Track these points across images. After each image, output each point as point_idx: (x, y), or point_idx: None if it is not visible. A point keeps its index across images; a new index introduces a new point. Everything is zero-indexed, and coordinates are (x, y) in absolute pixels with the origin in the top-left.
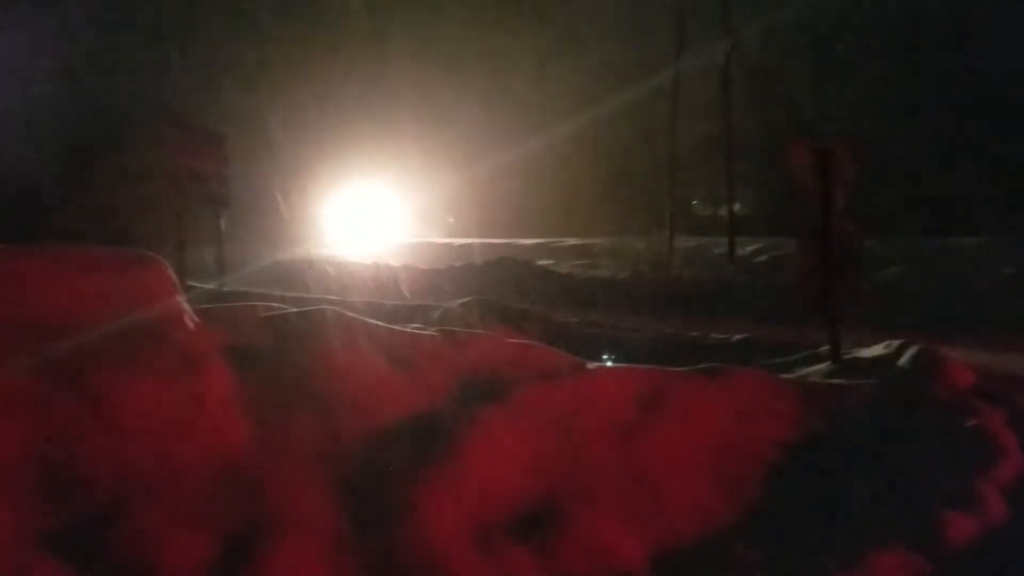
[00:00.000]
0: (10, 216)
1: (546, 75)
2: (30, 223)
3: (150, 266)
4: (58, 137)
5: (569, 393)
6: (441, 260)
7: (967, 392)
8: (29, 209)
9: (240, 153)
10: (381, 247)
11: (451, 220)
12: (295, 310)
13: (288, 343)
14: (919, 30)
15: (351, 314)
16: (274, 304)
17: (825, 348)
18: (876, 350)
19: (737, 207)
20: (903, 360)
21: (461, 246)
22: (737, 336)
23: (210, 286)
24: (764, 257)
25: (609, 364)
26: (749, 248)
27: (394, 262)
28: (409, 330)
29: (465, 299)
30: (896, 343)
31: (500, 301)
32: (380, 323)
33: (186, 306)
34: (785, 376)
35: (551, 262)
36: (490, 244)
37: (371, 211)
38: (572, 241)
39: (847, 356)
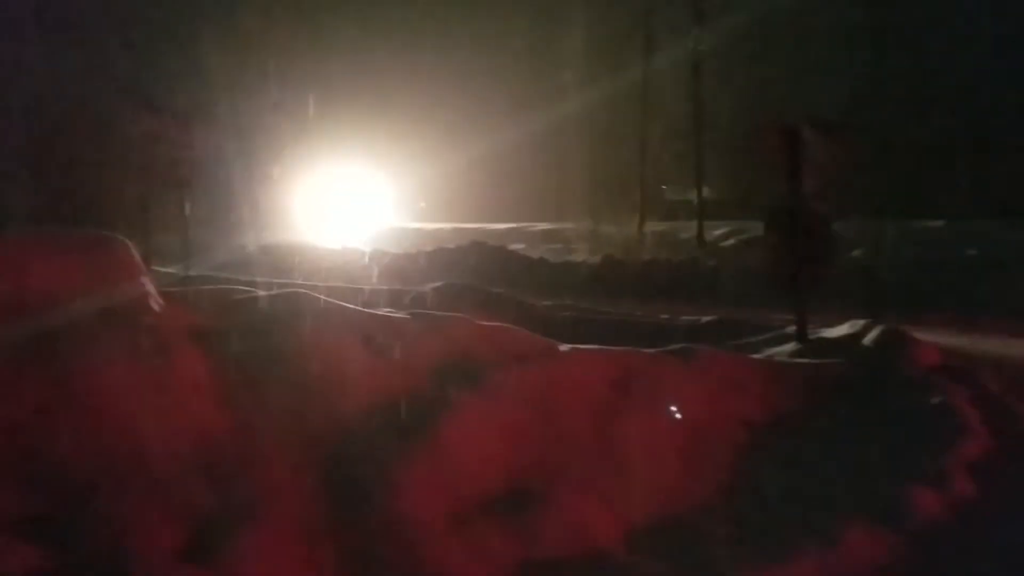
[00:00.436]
0: None
1: (520, 63)
2: None
3: (115, 248)
4: (22, 120)
5: (543, 375)
6: (412, 245)
7: (932, 371)
8: None
9: (211, 137)
10: (351, 232)
11: (422, 205)
12: (265, 293)
13: (259, 326)
14: (887, 16)
15: (323, 297)
16: (243, 288)
17: (792, 328)
18: (842, 330)
19: (706, 192)
20: (869, 339)
21: (432, 231)
22: (707, 318)
23: (173, 271)
24: (732, 241)
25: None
26: (717, 232)
27: (364, 247)
28: (382, 313)
29: (437, 283)
30: (861, 323)
31: (473, 285)
32: (353, 306)
33: (153, 289)
34: (753, 356)
35: (523, 246)
36: (462, 229)
37: (341, 196)
38: (544, 226)
39: (814, 336)
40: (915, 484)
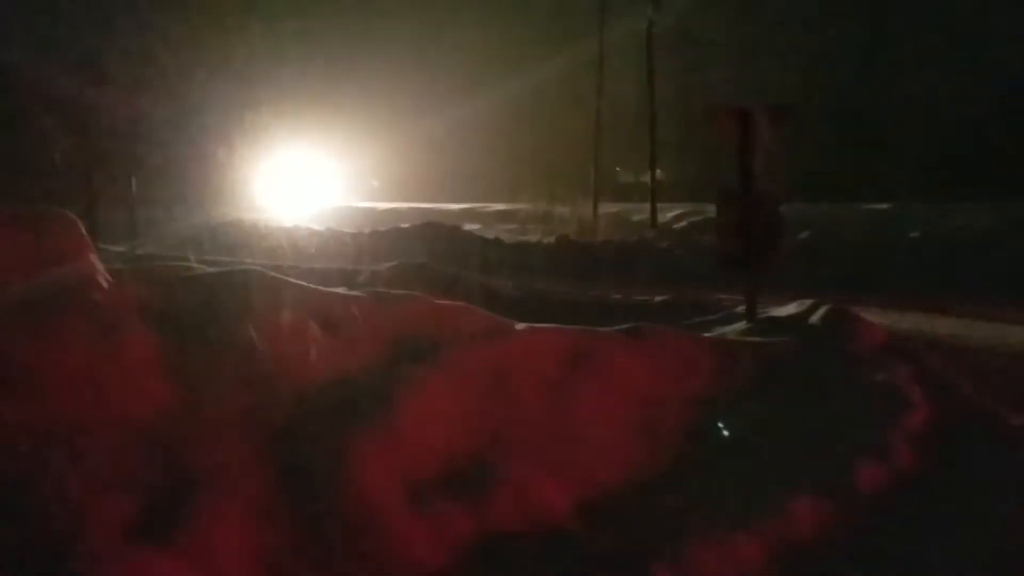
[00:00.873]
0: None
1: (473, 42)
2: None
3: (61, 223)
4: None
5: (498, 352)
6: (365, 224)
7: (877, 348)
8: None
9: (162, 113)
10: (302, 211)
11: (375, 184)
12: (216, 270)
13: (209, 303)
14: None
15: (275, 274)
16: (193, 266)
17: (742, 308)
18: (790, 309)
19: (660, 174)
20: (815, 318)
21: (385, 210)
22: (659, 298)
23: (119, 250)
24: (684, 223)
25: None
26: (670, 214)
27: (316, 225)
28: (337, 291)
29: (392, 263)
30: (809, 302)
31: (427, 265)
32: (306, 284)
33: (100, 265)
34: (704, 335)
35: (478, 227)
36: (415, 208)
37: (294, 176)
38: (498, 206)
39: (763, 315)
40: (859, 456)
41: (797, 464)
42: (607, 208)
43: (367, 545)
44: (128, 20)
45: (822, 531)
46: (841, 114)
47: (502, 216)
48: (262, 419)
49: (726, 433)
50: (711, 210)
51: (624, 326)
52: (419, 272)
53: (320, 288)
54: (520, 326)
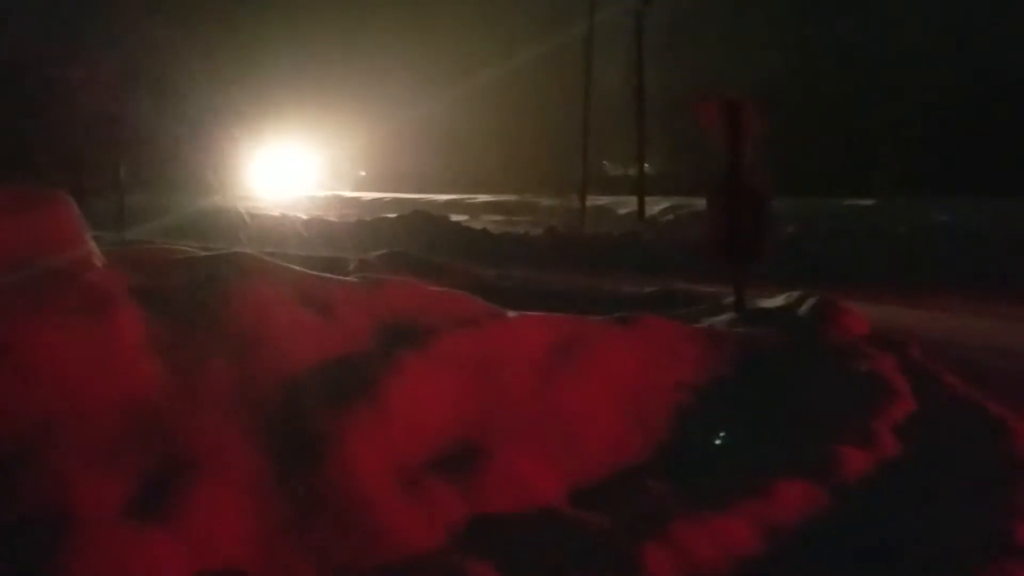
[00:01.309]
0: None
1: (461, 33)
2: None
3: (55, 204)
4: None
5: (488, 338)
6: (351, 214)
7: (862, 339)
8: None
9: (149, 97)
10: (289, 199)
11: (362, 174)
12: (208, 254)
13: (202, 286)
14: None
15: (266, 258)
16: (184, 249)
17: (729, 299)
18: (777, 301)
19: (647, 167)
20: (802, 310)
21: (371, 200)
22: (647, 289)
23: (105, 236)
24: (671, 216)
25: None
26: (658, 207)
27: (303, 215)
28: (328, 276)
29: (380, 252)
30: (796, 294)
31: (416, 254)
32: (297, 268)
33: (94, 246)
34: (693, 324)
35: (465, 218)
36: (401, 199)
37: (280, 163)
38: (486, 198)
39: (750, 307)
40: (844, 444)
41: (783, 450)
42: (595, 201)
43: (358, 526)
44: (117, 3)
45: (806, 512)
46: (826, 108)
47: (489, 207)
48: (254, 401)
49: (718, 442)
50: (698, 203)
51: (614, 315)
52: (406, 261)
53: (311, 272)
54: (510, 313)
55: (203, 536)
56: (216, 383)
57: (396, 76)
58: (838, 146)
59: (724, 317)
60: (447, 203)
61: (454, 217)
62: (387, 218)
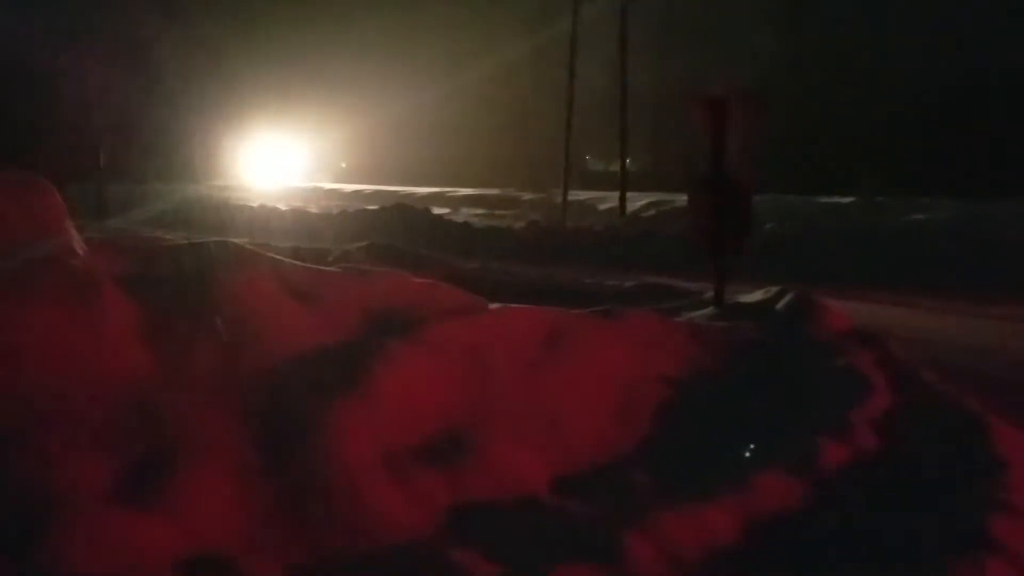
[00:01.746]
0: None
1: (444, 25)
2: None
3: (37, 190)
4: None
5: (473, 329)
6: (333, 205)
7: (841, 334)
8: None
9: (131, 86)
10: (270, 190)
11: (343, 165)
12: (193, 242)
13: (187, 274)
14: None
15: (251, 247)
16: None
17: (710, 294)
18: (757, 296)
19: (629, 162)
20: (782, 305)
21: (352, 192)
22: (628, 283)
23: (82, 225)
24: (653, 211)
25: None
26: (639, 203)
27: (283, 206)
28: (312, 266)
29: (362, 243)
30: (775, 289)
31: (398, 246)
32: (282, 257)
33: (76, 233)
34: (675, 318)
35: (446, 211)
36: (383, 191)
37: (261, 154)
38: (467, 191)
39: (731, 301)
40: (822, 437)
41: (762, 443)
42: (577, 196)
43: (345, 513)
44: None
45: (785, 503)
46: (808, 106)
47: (471, 200)
48: (241, 388)
49: (694, 412)
50: (680, 199)
51: (598, 308)
52: (389, 253)
53: (296, 262)
54: (495, 306)
55: (190, 521)
56: (203, 370)
57: (379, 69)
58: (820, 144)
59: (704, 312)
60: (429, 196)
61: (436, 210)
62: (368, 210)
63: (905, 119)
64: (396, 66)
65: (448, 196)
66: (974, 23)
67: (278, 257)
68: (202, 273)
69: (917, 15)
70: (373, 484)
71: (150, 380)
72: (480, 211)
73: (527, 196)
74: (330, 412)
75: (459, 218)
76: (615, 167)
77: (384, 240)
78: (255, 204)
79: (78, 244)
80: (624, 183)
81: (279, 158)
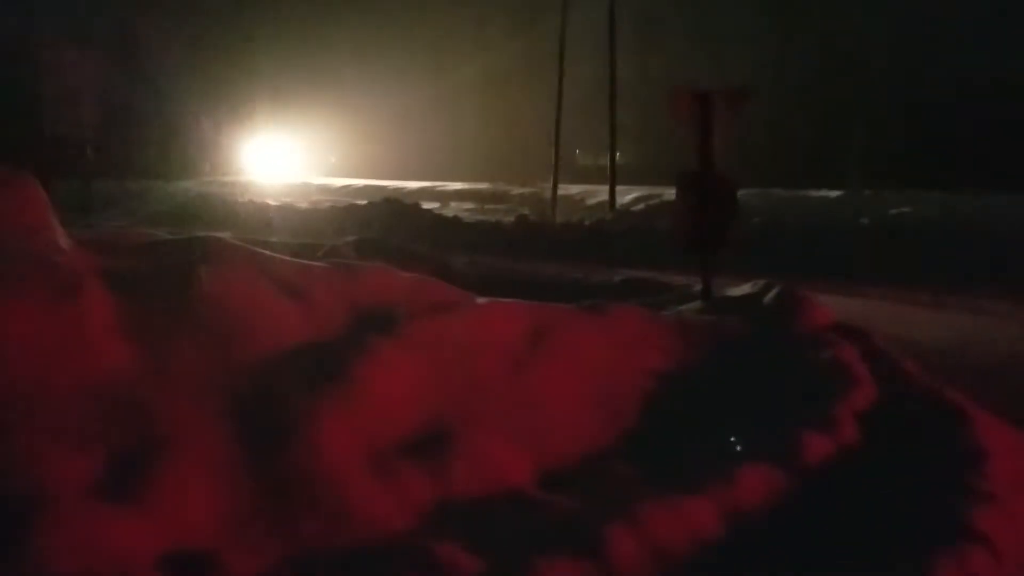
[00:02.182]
0: None
1: (434, 21)
2: None
3: (20, 185)
4: None
5: (460, 324)
6: (322, 200)
7: (825, 328)
8: None
9: (117, 81)
10: (258, 185)
11: (332, 160)
12: (178, 237)
13: (172, 269)
14: None
15: (237, 242)
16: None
17: (697, 288)
18: (743, 290)
19: (619, 156)
20: (767, 299)
21: (341, 187)
22: (617, 278)
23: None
24: (642, 206)
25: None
26: (629, 197)
27: (272, 200)
28: (299, 261)
29: (351, 238)
30: (761, 283)
31: (387, 241)
32: (269, 252)
33: (60, 228)
34: (661, 312)
35: (436, 205)
36: (372, 185)
37: (249, 149)
38: (457, 185)
39: (716, 295)
40: (806, 430)
41: (747, 436)
42: (566, 190)
43: (328, 508)
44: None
45: (769, 495)
46: (796, 101)
47: (460, 195)
48: (224, 383)
49: (680, 406)
50: (669, 193)
51: (584, 302)
52: (378, 247)
53: (283, 257)
54: (482, 300)
55: (172, 516)
56: (186, 365)
57: (369, 63)
58: (808, 138)
59: (691, 306)
60: (418, 190)
61: (425, 204)
62: (358, 205)
63: (894, 112)
64: (386, 60)
65: (438, 191)
66: (963, 17)
67: (263, 252)
68: (186, 268)
69: (905, 9)
70: (357, 480)
71: (133, 376)
72: (470, 205)
73: (517, 190)
74: (314, 408)
75: (449, 212)
76: (605, 160)
77: (373, 235)
78: (243, 199)
79: (62, 239)
80: (613, 177)
81: (267, 153)
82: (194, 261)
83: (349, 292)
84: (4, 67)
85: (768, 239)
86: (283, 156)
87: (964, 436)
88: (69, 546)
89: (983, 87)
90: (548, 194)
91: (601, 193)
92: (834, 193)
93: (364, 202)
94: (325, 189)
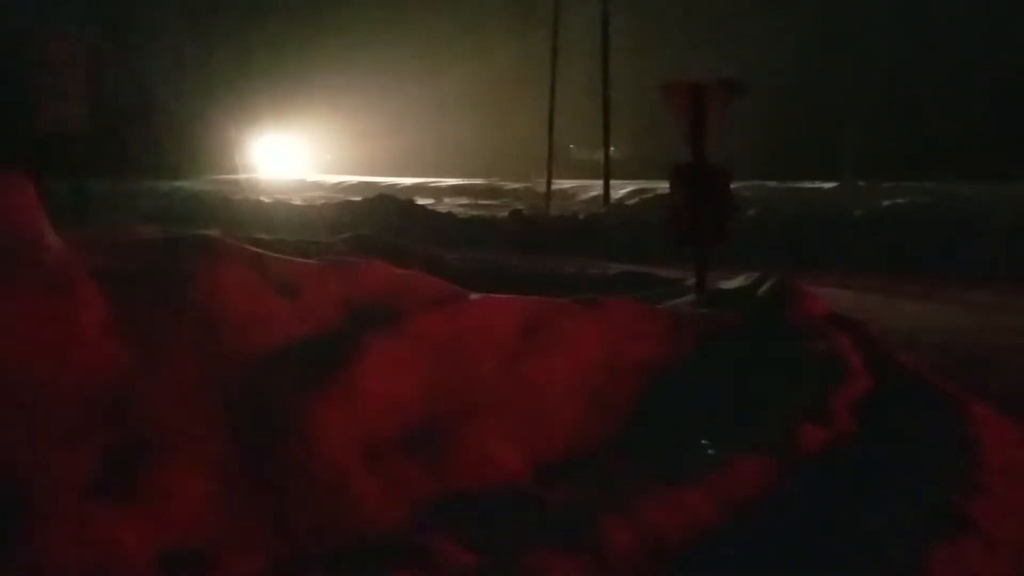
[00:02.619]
0: None
1: (428, 17)
2: None
3: (10, 182)
4: None
5: (456, 320)
6: (316, 197)
7: (820, 319)
8: None
9: (113, 76)
10: (253, 183)
11: (327, 157)
12: (171, 235)
13: (165, 267)
14: None
15: (230, 240)
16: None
17: (691, 281)
18: (737, 282)
19: (613, 151)
20: (762, 290)
21: (335, 183)
22: (613, 271)
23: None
24: (636, 200)
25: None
26: (623, 191)
27: (266, 198)
28: (293, 258)
29: (345, 235)
30: (755, 275)
31: (382, 237)
32: (262, 250)
33: (50, 226)
34: (656, 306)
35: (430, 201)
36: (366, 182)
37: (245, 146)
38: (451, 181)
39: (711, 288)
40: (801, 420)
41: (742, 426)
42: (560, 184)
43: (325, 505)
44: None
45: (763, 485)
46: (789, 92)
47: (455, 191)
48: (219, 381)
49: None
50: (663, 187)
51: (579, 297)
52: (373, 244)
53: (276, 255)
54: (476, 296)
55: (168, 515)
56: (180, 363)
57: (363, 60)
58: (804, 129)
59: (686, 299)
60: (413, 187)
61: (420, 200)
62: (352, 201)
63: (889, 103)
64: (380, 58)
65: (432, 187)
66: (960, 5)
67: (257, 250)
68: (181, 266)
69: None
70: (352, 475)
71: (127, 374)
72: (464, 201)
73: (511, 186)
74: (310, 405)
75: (443, 208)
76: (599, 155)
77: (368, 231)
78: (237, 197)
79: (53, 239)
80: (607, 171)
81: (262, 151)
82: (187, 259)
83: (343, 288)
84: None
85: (762, 231)
86: (278, 154)
87: (958, 426)
88: (64, 546)
89: (981, 77)
90: (542, 189)
91: (595, 188)
92: (828, 185)
93: (359, 199)
94: (320, 186)
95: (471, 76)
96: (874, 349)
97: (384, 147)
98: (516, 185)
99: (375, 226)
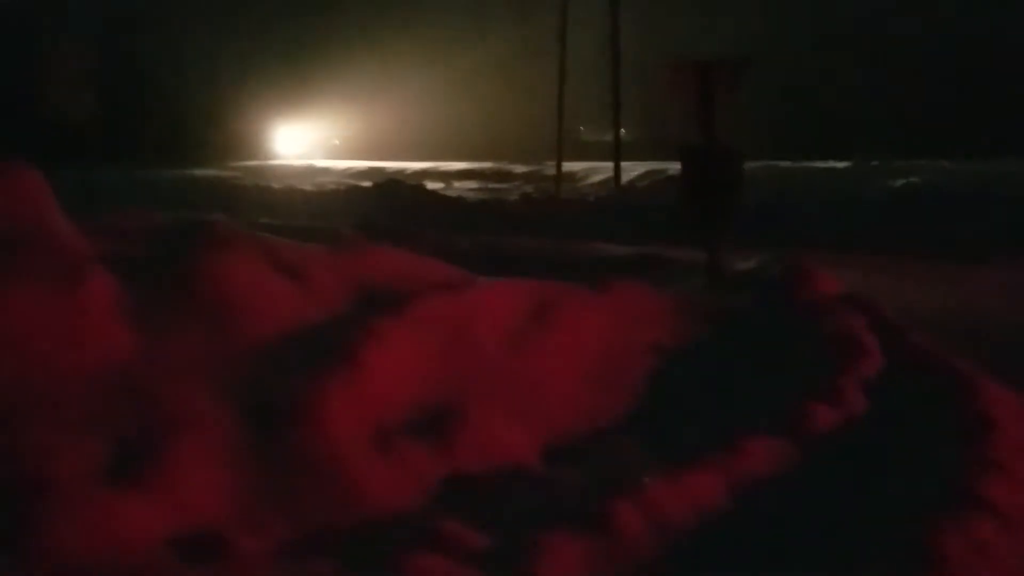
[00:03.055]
0: None
1: (436, 3)
2: None
3: (22, 173)
4: None
5: (463, 303)
6: (325, 182)
7: (833, 299)
8: None
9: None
10: (263, 169)
11: (336, 142)
12: (179, 221)
13: (174, 253)
14: None
15: (238, 226)
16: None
17: (703, 263)
18: (749, 263)
19: (623, 132)
20: (774, 271)
21: (345, 168)
22: (621, 253)
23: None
24: (647, 181)
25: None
26: (634, 173)
27: (276, 184)
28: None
29: (354, 220)
30: (767, 257)
31: (389, 222)
32: (270, 235)
33: (61, 214)
34: (666, 288)
35: (440, 185)
36: (375, 167)
37: (253, 132)
38: (460, 165)
39: (722, 269)
40: (813, 400)
41: (753, 407)
42: (570, 166)
43: (333, 487)
44: None
45: (774, 464)
46: (801, 71)
47: (464, 175)
48: (229, 365)
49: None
50: (675, 169)
51: (587, 279)
52: (381, 228)
53: (284, 240)
54: (483, 279)
55: (179, 499)
56: (190, 348)
57: (370, 45)
58: (815, 109)
59: (697, 280)
60: (421, 171)
61: (429, 185)
62: (362, 187)
63: (901, 82)
64: (388, 42)
65: (441, 171)
66: None
67: (265, 235)
68: (190, 252)
69: None
70: (361, 458)
71: (137, 360)
72: (473, 185)
73: (520, 169)
74: (319, 388)
75: (452, 192)
76: (609, 136)
77: (377, 217)
78: (247, 183)
79: (64, 226)
80: (618, 153)
81: (273, 136)
82: (196, 245)
83: (351, 273)
84: (3, 51)
85: (774, 211)
86: (287, 140)
87: (971, 405)
88: (77, 530)
89: (990, 54)
90: (552, 171)
91: (606, 169)
92: (841, 164)
93: (367, 184)
94: (329, 171)
95: (479, 59)
96: (887, 328)
97: (393, 132)
98: (526, 168)
99: (384, 211)
